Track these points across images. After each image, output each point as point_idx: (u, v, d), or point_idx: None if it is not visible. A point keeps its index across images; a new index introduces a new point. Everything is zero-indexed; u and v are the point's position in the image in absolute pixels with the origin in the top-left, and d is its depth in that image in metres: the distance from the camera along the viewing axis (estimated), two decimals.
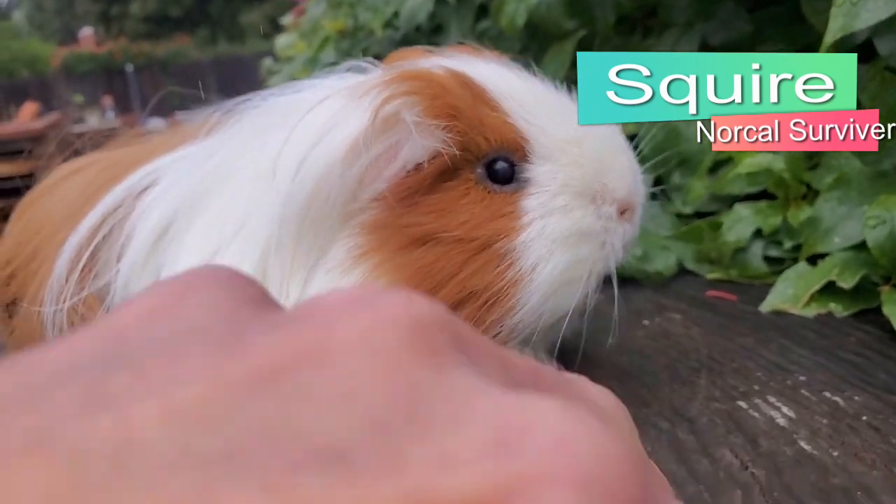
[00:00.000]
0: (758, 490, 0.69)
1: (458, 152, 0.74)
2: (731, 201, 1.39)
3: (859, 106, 1.16)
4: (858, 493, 0.67)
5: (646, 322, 1.11)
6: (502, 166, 0.76)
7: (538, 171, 0.76)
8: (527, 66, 0.92)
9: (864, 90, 1.17)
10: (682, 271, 1.34)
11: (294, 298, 0.72)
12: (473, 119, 0.75)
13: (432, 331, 0.24)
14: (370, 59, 0.92)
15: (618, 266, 0.82)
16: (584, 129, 0.76)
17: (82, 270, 0.86)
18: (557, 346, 0.84)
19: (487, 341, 0.28)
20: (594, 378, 0.92)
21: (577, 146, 0.77)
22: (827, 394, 0.87)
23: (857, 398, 0.86)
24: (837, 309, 1.12)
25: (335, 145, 0.69)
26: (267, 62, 5.19)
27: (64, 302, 0.84)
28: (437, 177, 0.74)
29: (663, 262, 1.31)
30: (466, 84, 0.76)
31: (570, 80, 1.69)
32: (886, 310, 1.05)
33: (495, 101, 0.76)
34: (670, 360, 1.00)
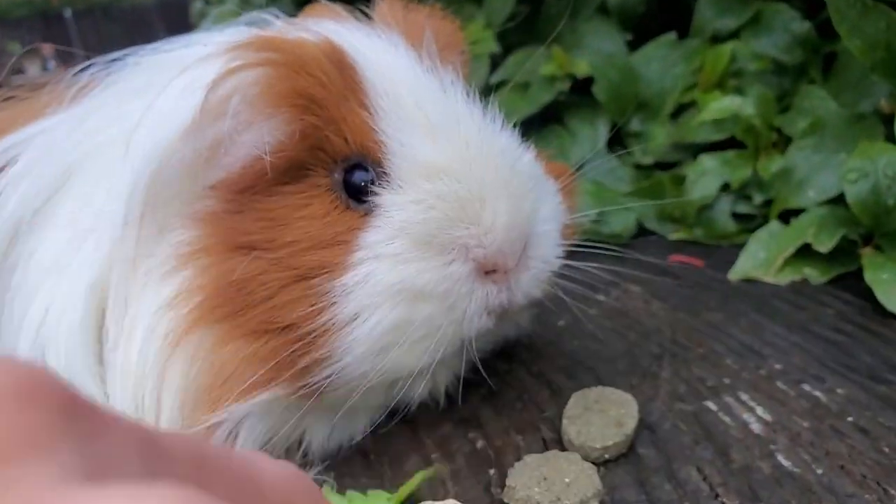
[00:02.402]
0: None
1: (304, 152, 0.61)
2: (695, 150, 1.25)
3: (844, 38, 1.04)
4: None
5: (601, 297, 0.99)
6: (361, 178, 0.62)
7: (389, 200, 0.62)
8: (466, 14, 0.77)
9: (842, 21, 1.03)
10: (642, 231, 1.22)
11: (132, 312, 0.60)
12: (333, 112, 0.61)
13: (29, 405, 0.23)
14: (277, 10, 0.77)
15: (485, 338, 0.68)
16: (462, 156, 0.62)
17: None
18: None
19: (123, 418, 0.27)
20: (542, 372, 0.75)
21: (436, 179, 0.61)
22: (806, 386, 0.76)
23: (839, 390, 0.74)
24: (813, 275, 1.01)
25: (177, 121, 0.57)
26: (198, 4, 4.81)
27: None
28: (282, 174, 0.61)
29: (622, 223, 1.18)
30: (339, 65, 0.62)
31: (517, 16, 1.55)
32: (868, 276, 0.93)
33: (368, 94, 0.62)
34: (629, 344, 0.88)
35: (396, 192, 0.61)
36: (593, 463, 0.65)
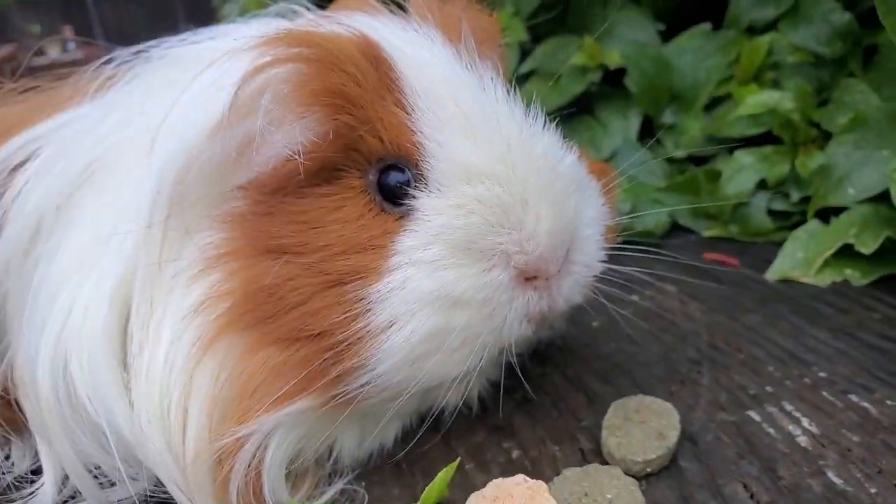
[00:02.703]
0: None
1: (338, 153, 0.58)
2: (730, 144, 1.22)
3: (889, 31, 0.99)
4: None
5: (635, 297, 0.96)
6: (397, 179, 0.59)
7: (426, 203, 0.59)
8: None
9: (889, 13, 0.99)
10: (675, 228, 1.18)
11: (157, 316, 0.58)
12: (368, 111, 0.58)
13: None
14: (305, 2, 0.75)
15: (522, 344, 0.65)
16: (503, 158, 0.58)
17: None
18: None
19: None
20: (577, 376, 0.72)
21: (477, 182, 0.58)
22: (853, 397, 0.72)
23: (889, 402, 0.71)
24: (855, 276, 0.97)
25: (205, 119, 0.55)
26: None
27: None
28: (314, 175, 0.58)
29: (654, 219, 1.15)
30: (374, 61, 0.58)
31: (547, 4, 1.51)
32: None
33: (404, 91, 0.59)
34: (666, 348, 0.85)
35: (434, 196, 0.58)
36: (634, 476, 0.62)
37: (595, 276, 0.66)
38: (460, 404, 0.69)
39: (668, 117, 1.33)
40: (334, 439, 0.64)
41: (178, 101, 0.57)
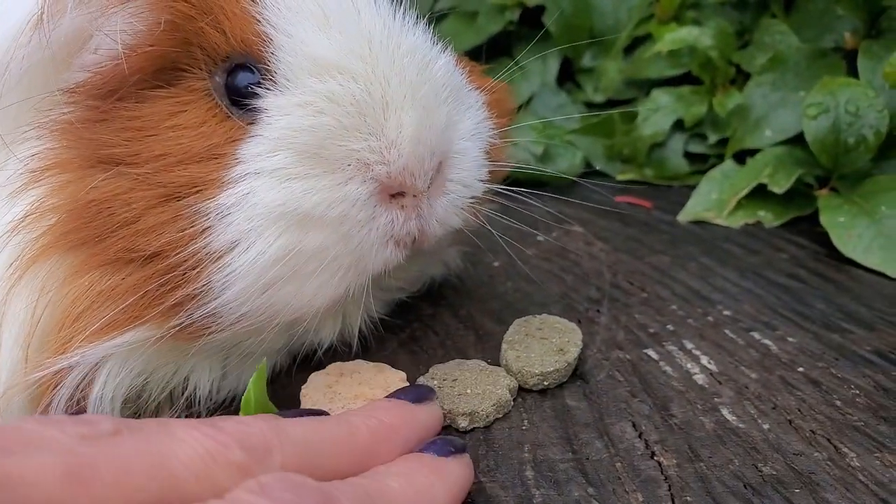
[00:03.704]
0: (665, 489, 0.50)
1: (175, 48, 0.51)
2: (648, 88, 1.17)
3: None
4: (797, 489, 0.50)
5: (541, 237, 0.91)
6: (247, 80, 0.52)
7: (272, 102, 0.52)
8: None
9: None
10: (590, 172, 1.14)
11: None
12: (208, 2, 0.51)
13: None
14: None
15: (391, 269, 0.57)
16: (361, 51, 0.51)
17: None
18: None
19: None
20: (469, 316, 0.71)
21: (328, 77, 0.51)
22: (756, 334, 0.69)
23: (791, 339, 0.68)
24: (767, 218, 0.94)
25: (21, 13, 0.48)
26: None
27: None
28: (151, 76, 0.51)
29: (568, 161, 1.10)
30: None
31: None
32: (824, 219, 0.87)
33: None
34: (566, 287, 0.80)
35: (281, 94, 0.51)
36: (531, 390, 0.62)
37: (475, 196, 0.60)
38: (335, 341, 0.63)
39: (588, 61, 1.28)
40: (186, 376, 0.57)
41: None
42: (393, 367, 0.64)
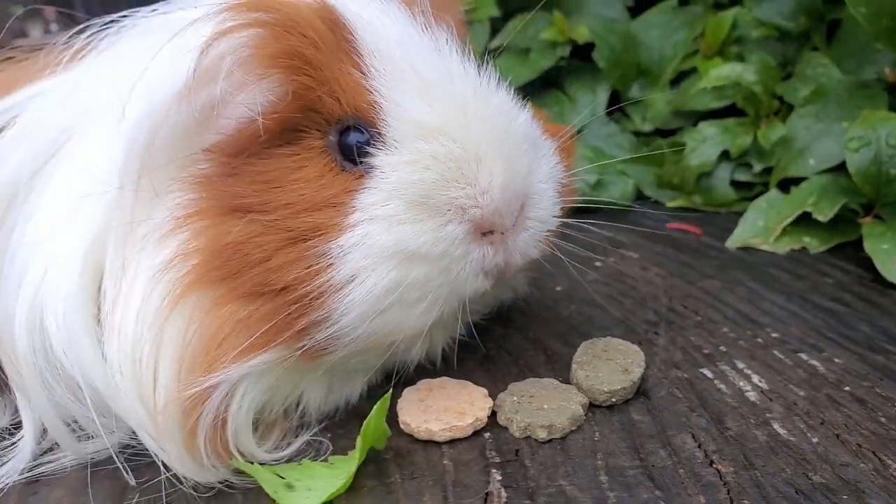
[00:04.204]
0: (724, 493, 0.57)
1: (298, 113, 0.60)
2: (695, 118, 1.24)
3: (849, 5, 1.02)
4: (844, 496, 0.56)
5: (599, 263, 0.99)
6: (356, 139, 0.61)
7: (384, 160, 0.60)
8: None
9: None
10: (640, 198, 1.21)
11: (129, 275, 0.60)
12: (326, 73, 0.59)
13: None
14: None
15: (480, 299, 0.67)
16: (457, 116, 0.60)
17: None
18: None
19: None
20: (538, 338, 0.76)
21: (432, 139, 0.60)
22: (803, 355, 0.75)
23: (837, 360, 0.74)
24: (812, 244, 1.00)
25: (170, 85, 0.56)
26: None
27: None
28: (276, 136, 0.60)
29: (620, 189, 1.18)
30: (332, 25, 0.60)
31: None
32: (868, 245, 0.93)
33: (361, 53, 0.61)
34: (625, 311, 0.87)
35: (391, 153, 0.60)
36: (600, 405, 0.69)
37: (551, 231, 0.69)
38: (423, 359, 0.72)
39: (635, 91, 1.35)
40: (301, 392, 0.66)
41: (147, 68, 0.58)
42: (474, 383, 0.71)
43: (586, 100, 1.37)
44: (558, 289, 0.93)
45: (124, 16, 0.74)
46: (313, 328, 0.59)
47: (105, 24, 0.75)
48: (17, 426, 0.68)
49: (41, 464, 0.66)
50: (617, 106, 1.31)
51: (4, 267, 0.65)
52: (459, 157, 0.60)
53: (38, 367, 0.62)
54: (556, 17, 1.36)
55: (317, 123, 0.60)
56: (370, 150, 0.60)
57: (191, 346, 0.57)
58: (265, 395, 0.62)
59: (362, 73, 0.60)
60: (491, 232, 0.63)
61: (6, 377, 0.68)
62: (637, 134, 1.33)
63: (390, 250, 0.58)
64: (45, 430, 0.67)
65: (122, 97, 0.60)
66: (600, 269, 0.98)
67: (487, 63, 0.65)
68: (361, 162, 0.60)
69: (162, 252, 0.59)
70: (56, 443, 0.66)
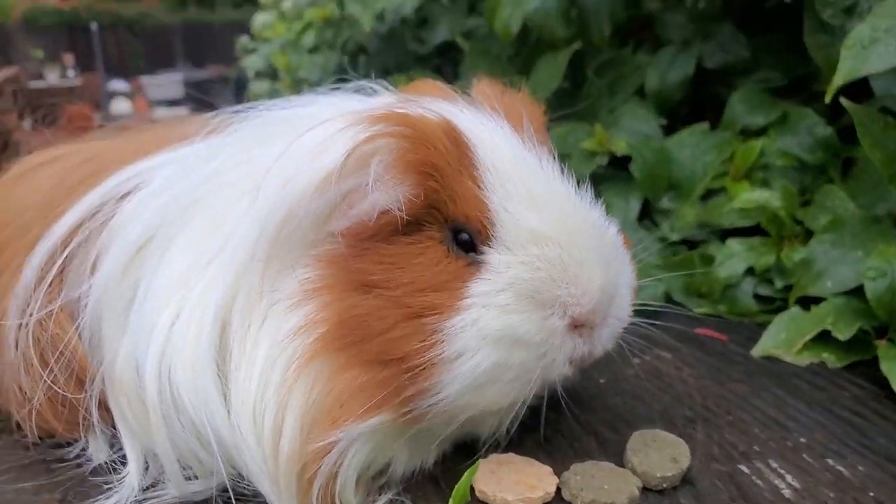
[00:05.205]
0: None
1: (424, 209, 0.69)
2: (719, 231, 1.36)
3: (866, 150, 1.15)
4: None
5: (636, 360, 1.07)
6: (465, 238, 0.71)
7: (498, 258, 0.70)
8: (514, 84, 0.88)
9: (866, 134, 1.14)
10: (669, 302, 1.31)
11: (253, 336, 0.68)
12: (448, 181, 0.69)
13: None
14: (382, 81, 0.87)
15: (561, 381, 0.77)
16: (563, 225, 0.71)
17: (52, 280, 0.79)
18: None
19: None
20: (589, 423, 0.86)
21: (544, 245, 0.70)
22: (829, 460, 0.84)
23: (860, 467, 0.83)
24: (831, 359, 1.10)
25: (312, 174, 0.65)
26: (243, 40, 5.04)
27: (30, 315, 0.77)
28: (403, 226, 0.69)
29: (651, 292, 1.27)
30: (455, 142, 0.70)
31: (560, 91, 1.66)
32: (884, 366, 1.02)
33: (478, 168, 0.71)
34: (664, 405, 0.96)
35: (505, 253, 0.70)
36: (652, 489, 0.77)
37: (624, 326, 0.78)
38: (494, 436, 0.79)
39: (665, 203, 1.47)
40: (393, 454, 0.74)
41: (284, 155, 0.67)
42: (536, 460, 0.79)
43: (619, 206, 1.48)
44: (602, 380, 1.02)
45: (249, 107, 0.85)
46: (420, 396, 0.67)
47: (231, 112, 0.87)
48: (115, 462, 0.76)
49: (147, 499, 0.73)
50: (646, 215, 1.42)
51: (130, 318, 0.73)
52: (566, 261, 0.70)
53: (164, 411, 0.69)
54: (596, 129, 1.49)
55: (437, 220, 0.70)
56: (480, 247, 0.69)
57: (315, 405, 0.65)
58: (370, 454, 0.69)
59: (478, 185, 0.70)
60: (582, 325, 0.72)
61: (109, 415, 0.76)
62: (663, 241, 1.44)
63: (498, 334, 0.67)
64: (146, 468, 0.75)
65: (254, 177, 0.69)
66: (638, 366, 1.07)
67: (585, 185, 0.76)
68: (471, 255, 0.69)
69: (290, 320, 0.67)
70: (157, 479, 0.74)
